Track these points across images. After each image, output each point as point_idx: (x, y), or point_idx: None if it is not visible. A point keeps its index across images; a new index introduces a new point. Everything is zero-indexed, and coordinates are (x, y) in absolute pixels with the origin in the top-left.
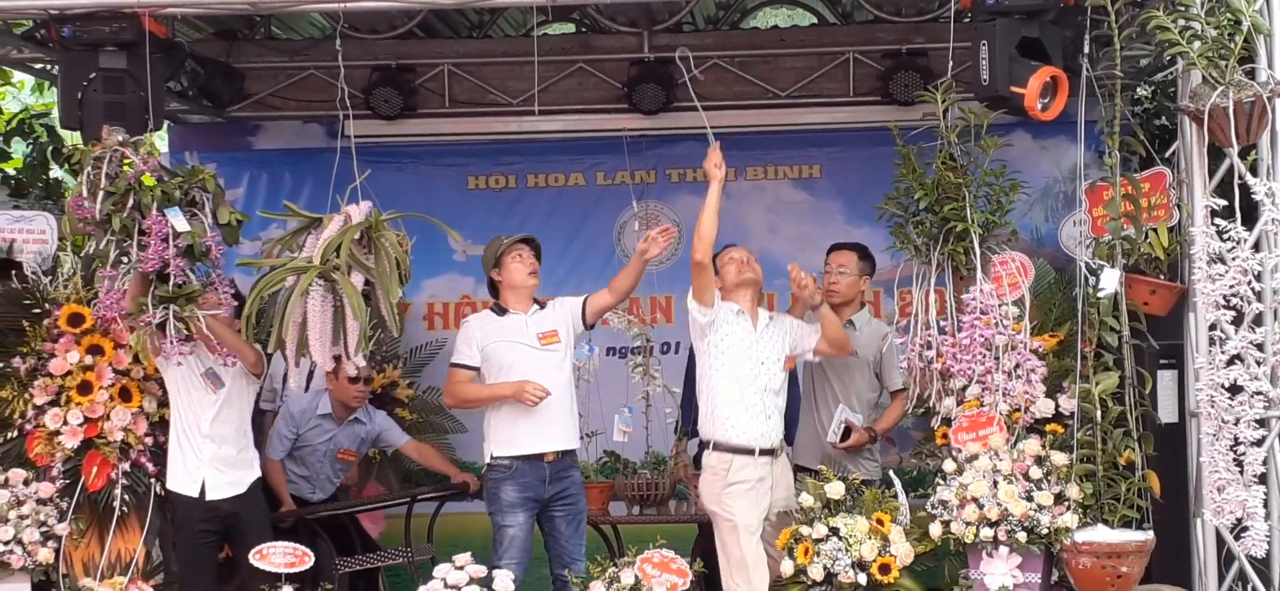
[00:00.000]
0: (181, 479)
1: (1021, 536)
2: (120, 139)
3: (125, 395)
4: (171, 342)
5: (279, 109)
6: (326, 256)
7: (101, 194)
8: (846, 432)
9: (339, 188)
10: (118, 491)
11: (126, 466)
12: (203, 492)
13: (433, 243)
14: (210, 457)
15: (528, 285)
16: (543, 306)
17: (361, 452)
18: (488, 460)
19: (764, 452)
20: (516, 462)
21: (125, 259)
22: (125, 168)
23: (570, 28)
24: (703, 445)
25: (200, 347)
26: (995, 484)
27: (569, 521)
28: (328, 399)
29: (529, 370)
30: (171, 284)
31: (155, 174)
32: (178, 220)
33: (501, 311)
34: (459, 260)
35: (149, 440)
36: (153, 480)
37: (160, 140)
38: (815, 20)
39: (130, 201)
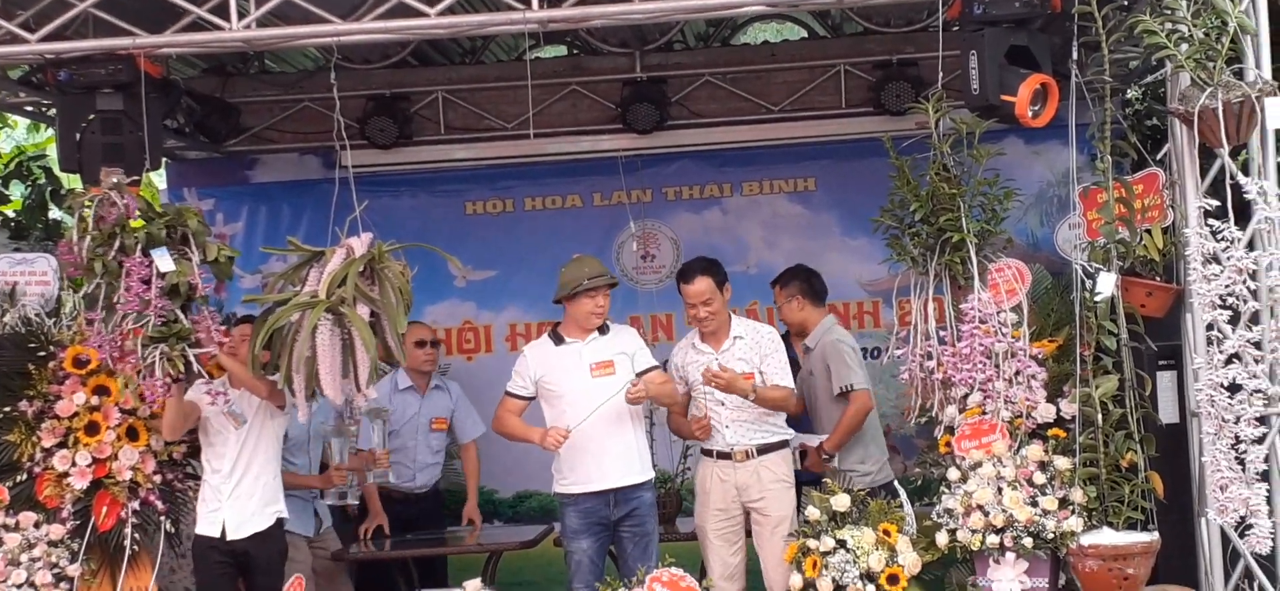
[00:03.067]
0: (206, 521)
1: (1027, 542)
2: (115, 181)
3: (132, 434)
4: (163, 383)
5: (275, 142)
6: (332, 290)
7: (88, 238)
8: (804, 455)
9: (338, 217)
10: (128, 530)
11: (136, 505)
12: (223, 533)
13: (433, 269)
14: (230, 495)
15: (593, 324)
16: (605, 332)
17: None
18: (556, 492)
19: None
20: (578, 495)
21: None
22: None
23: (562, 50)
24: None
25: (222, 386)
26: (1000, 490)
27: (636, 543)
28: (403, 373)
29: (580, 399)
30: (154, 325)
31: (142, 215)
32: (163, 260)
33: (558, 339)
34: (459, 285)
35: (157, 478)
36: (162, 517)
37: (159, 178)
38: (806, 34)
39: (116, 244)
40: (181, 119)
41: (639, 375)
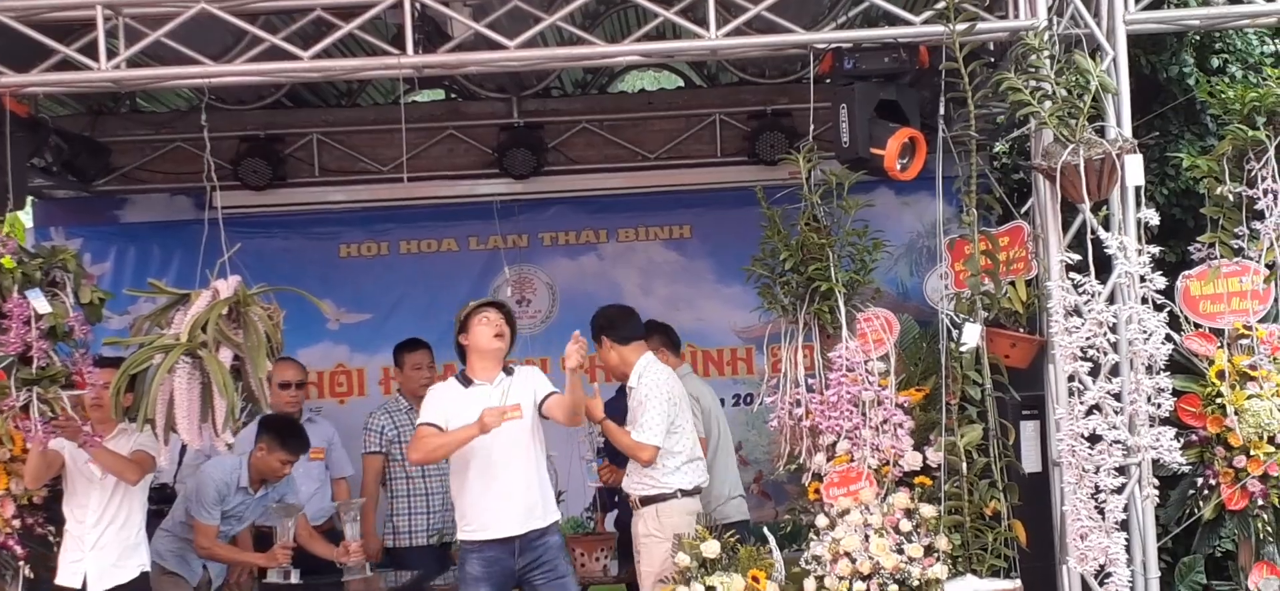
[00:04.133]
0: (67, 571)
1: (893, 589)
2: None
3: None
4: (36, 426)
5: (146, 182)
6: (193, 333)
7: None
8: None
9: (209, 259)
10: None
11: None
12: (85, 584)
13: (305, 313)
14: (93, 546)
15: (494, 349)
16: (511, 373)
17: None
18: (459, 539)
19: None
20: (482, 544)
21: None
22: None
23: (440, 94)
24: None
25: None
26: (866, 538)
27: (551, 585)
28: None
29: (489, 440)
30: (35, 366)
31: (15, 256)
32: (39, 301)
33: (466, 381)
34: (332, 328)
35: (16, 523)
36: (21, 563)
37: (26, 216)
38: (682, 83)
39: None
40: (50, 157)
41: (544, 398)
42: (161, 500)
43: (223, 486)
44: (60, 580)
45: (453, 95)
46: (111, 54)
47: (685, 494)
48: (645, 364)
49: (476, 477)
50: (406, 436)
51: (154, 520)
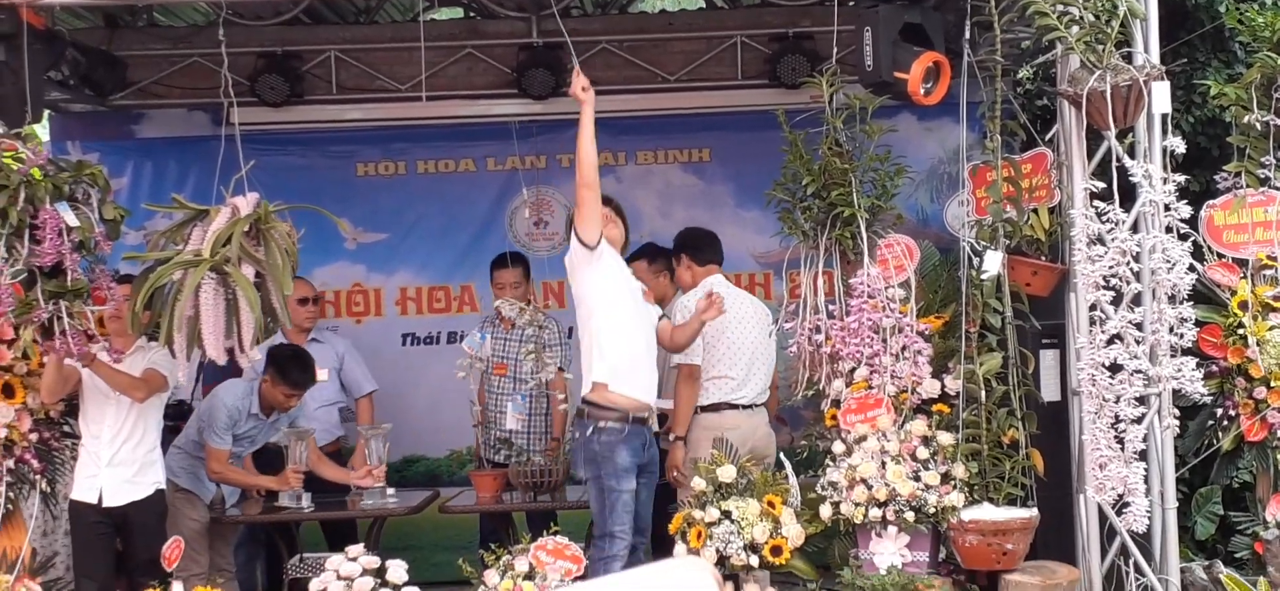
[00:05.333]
0: (82, 486)
1: (909, 516)
2: (0, 131)
3: (8, 391)
4: (63, 338)
5: (163, 97)
6: (216, 250)
7: None
8: (662, 419)
9: (224, 176)
10: (2, 488)
11: (10, 464)
12: (100, 499)
13: (323, 231)
14: (109, 462)
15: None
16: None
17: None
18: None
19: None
20: (629, 426)
21: (9, 254)
22: (10, 161)
23: (459, 12)
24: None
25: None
26: (883, 465)
27: (649, 490)
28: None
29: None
30: (69, 278)
31: (44, 169)
32: (68, 215)
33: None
34: (349, 248)
35: (33, 437)
36: (37, 477)
37: (42, 130)
38: (703, 4)
39: (22, 196)
40: (66, 71)
41: None
42: (178, 417)
43: (234, 411)
44: (75, 495)
45: (472, 13)
46: None
47: (702, 409)
48: (713, 282)
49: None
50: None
51: (169, 436)
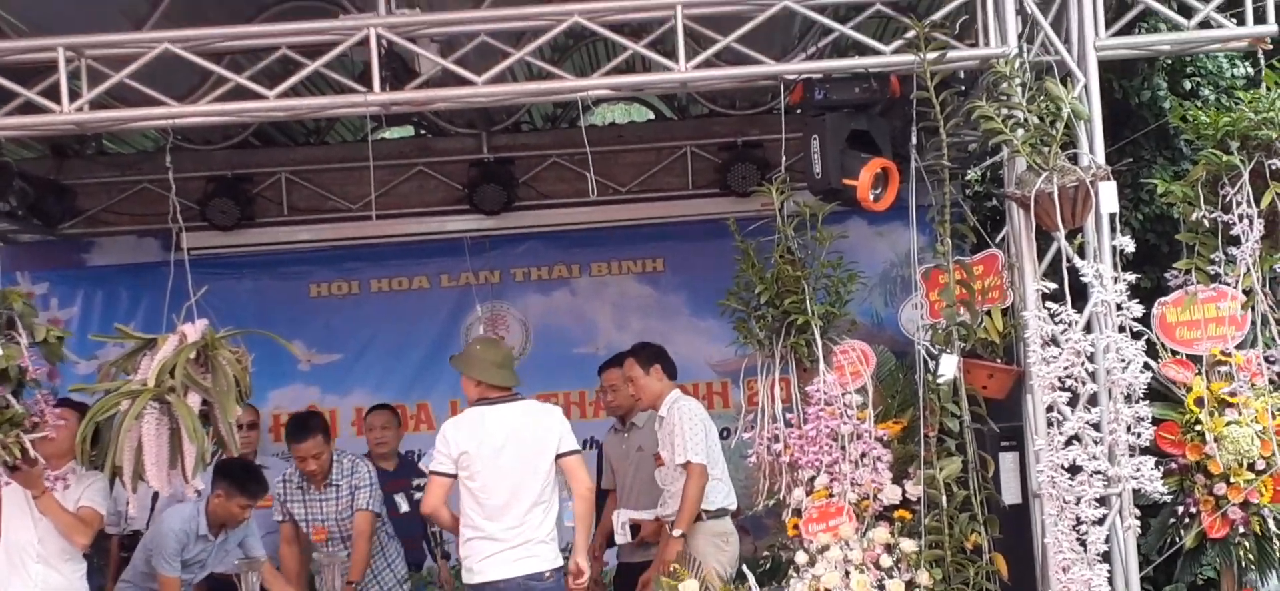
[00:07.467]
0: None
1: None
2: None
3: None
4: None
5: (113, 224)
6: (161, 378)
7: None
8: (635, 529)
9: (176, 302)
10: None
11: None
12: None
13: (277, 354)
14: (39, 581)
15: None
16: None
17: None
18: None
19: None
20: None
21: None
22: None
23: (408, 131)
24: None
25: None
26: (847, 574)
27: None
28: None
29: None
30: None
31: None
32: None
33: None
34: (304, 369)
35: None
36: None
37: None
38: (653, 116)
39: None
40: (14, 201)
41: None
42: (132, 548)
43: (182, 534)
44: None
45: (422, 131)
46: (74, 96)
47: (709, 515)
48: (676, 396)
49: None
50: None
51: (120, 568)
